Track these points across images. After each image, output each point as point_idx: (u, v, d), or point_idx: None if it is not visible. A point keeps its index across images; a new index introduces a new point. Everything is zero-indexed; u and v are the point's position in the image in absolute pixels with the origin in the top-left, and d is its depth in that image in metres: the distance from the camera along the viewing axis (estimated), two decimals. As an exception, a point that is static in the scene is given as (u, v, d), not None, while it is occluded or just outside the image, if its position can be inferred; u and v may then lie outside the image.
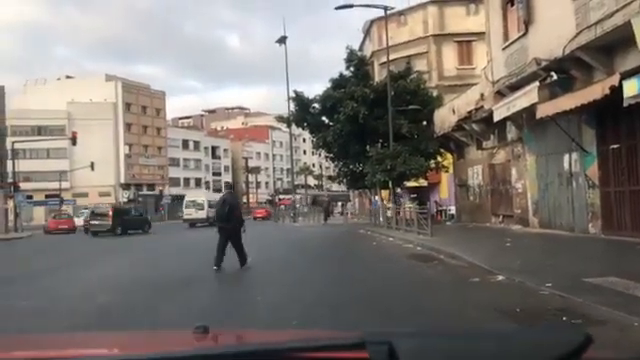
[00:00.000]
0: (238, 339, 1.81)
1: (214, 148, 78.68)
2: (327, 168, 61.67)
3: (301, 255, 13.11)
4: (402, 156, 22.66)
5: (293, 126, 31.86)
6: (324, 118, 27.62)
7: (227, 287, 9.16)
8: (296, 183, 63.23)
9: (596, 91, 10.41)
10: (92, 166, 44.59)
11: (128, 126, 63.32)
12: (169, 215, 55.85)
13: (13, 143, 36.57)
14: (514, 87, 15.39)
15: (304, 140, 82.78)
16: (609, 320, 5.04)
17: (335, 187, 64.61)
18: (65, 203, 48.75)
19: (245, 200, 66.55)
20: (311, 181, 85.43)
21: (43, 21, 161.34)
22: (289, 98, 30.43)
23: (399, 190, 26.26)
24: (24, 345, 1.70)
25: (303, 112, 28.12)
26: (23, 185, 39.60)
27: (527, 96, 13.81)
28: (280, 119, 32.45)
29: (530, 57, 14.41)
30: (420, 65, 30.76)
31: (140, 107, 65.32)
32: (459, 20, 31.99)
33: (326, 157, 31.20)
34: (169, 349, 1.48)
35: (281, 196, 73.86)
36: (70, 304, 7.48)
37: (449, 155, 25.38)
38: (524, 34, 14.93)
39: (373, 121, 24.71)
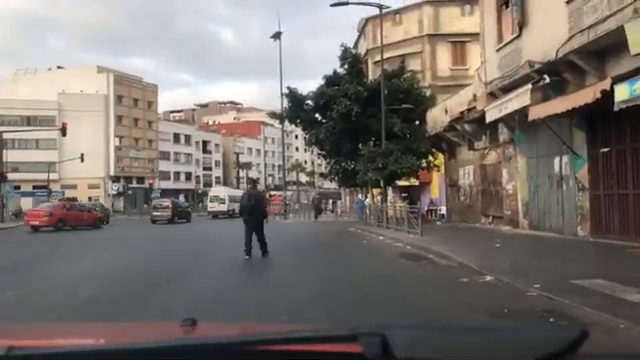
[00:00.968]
0: (227, 332, 1.79)
1: (205, 142, 78.36)
2: (319, 165, 61.66)
3: (292, 253, 13.09)
4: (394, 155, 22.69)
5: (286, 122, 31.78)
6: (317, 115, 27.54)
7: (214, 283, 9.11)
8: (288, 180, 63.16)
9: (588, 95, 10.47)
10: (82, 158, 44.20)
11: (119, 118, 62.87)
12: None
13: (2, 133, 36.13)
14: (507, 89, 15.45)
15: (296, 137, 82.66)
16: (596, 322, 5.07)
17: (327, 184, 64.61)
18: (53, 194, 48.30)
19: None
20: (303, 178, 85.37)
21: (35, 11, 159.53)
22: (282, 94, 30.34)
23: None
24: (15, 334, 1.67)
25: (296, 109, 28.02)
26: (11, 175, 39.17)
27: (519, 98, 13.86)
28: (273, 115, 32.33)
29: (523, 59, 14.47)
30: (414, 64, 30.79)
31: (132, 100, 64.87)
32: (454, 21, 32.05)
33: (318, 154, 31.14)
34: (155, 340, 1.46)
35: (272, 192, 73.74)
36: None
37: (441, 155, 25.44)
38: (518, 36, 14.98)
39: (366, 119, 24.72)
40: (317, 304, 6.55)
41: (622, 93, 9.43)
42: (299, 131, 38.41)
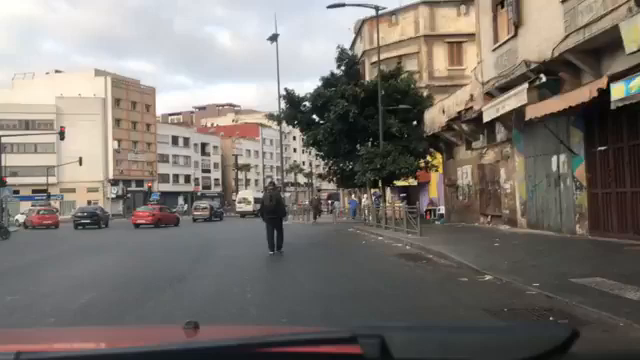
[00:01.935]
0: (228, 334, 1.81)
1: (204, 145, 78.36)
2: (317, 166, 61.66)
3: (291, 253, 13.11)
4: (392, 155, 22.71)
5: (283, 124, 31.79)
6: (315, 116, 27.56)
7: (214, 284, 9.13)
8: (286, 181, 63.14)
9: (584, 94, 10.51)
10: (80, 161, 44.22)
11: (117, 121, 62.85)
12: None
13: (0, 137, 36.10)
14: (503, 88, 15.49)
15: (294, 138, 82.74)
16: (595, 320, 5.10)
17: (325, 185, 64.57)
18: (52, 198, 48.28)
19: (234, 197, 66.33)
20: (301, 179, 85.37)
21: (32, 15, 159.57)
22: (280, 96, 30.38)
23: (376, 191, 26.31)
24: (23, 338, 1.69)
25: (294, 110, 28.05)
26: (10, 180, 39.12)
27: (516, 97, 13.90)
28: (270, 117, 32.34)
29: (520, 59, 14.51)
30: (411, 65, 30.85)
31: (130, 103, 64.86)
32: (450, 21, 32.12)
33: (316, 155, 31.16)
34: (157, 344, 1.48)
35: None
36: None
37: (439, 155, 25.47)
38: (514, 36, 15.02)
39: (363, 120, 24.75)
40: (317, 304, 6.57)
41: (618, 91, 9.47)
42: (297, 132, 38.54)
